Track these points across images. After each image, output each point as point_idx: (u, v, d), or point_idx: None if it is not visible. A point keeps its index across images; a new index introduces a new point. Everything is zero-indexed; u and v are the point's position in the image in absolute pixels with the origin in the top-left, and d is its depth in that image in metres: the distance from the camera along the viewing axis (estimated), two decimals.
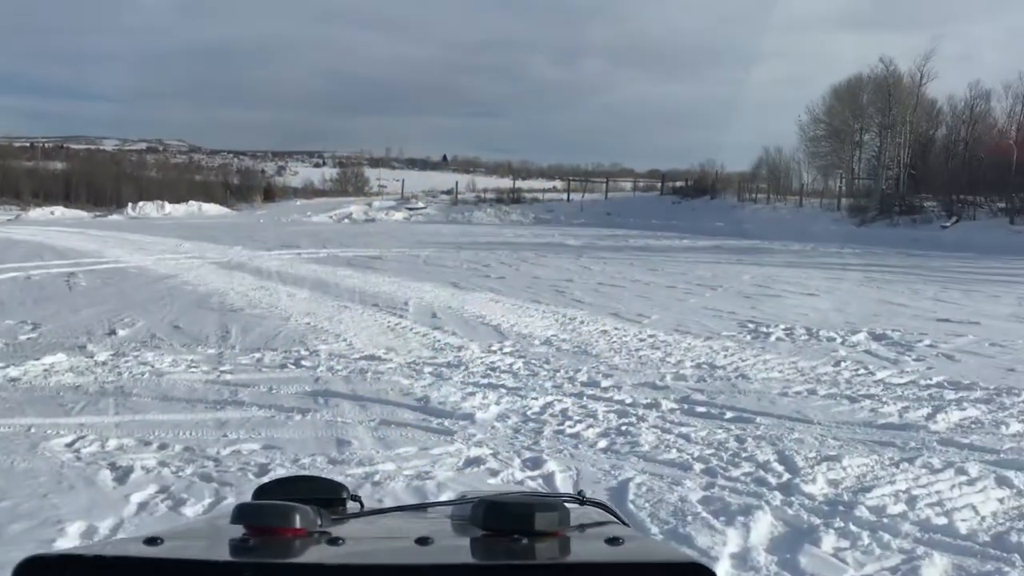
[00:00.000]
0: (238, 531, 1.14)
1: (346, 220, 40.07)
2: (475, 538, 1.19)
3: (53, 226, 31.93)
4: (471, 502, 1.30)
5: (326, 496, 1.33)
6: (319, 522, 1.20)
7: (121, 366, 7.08)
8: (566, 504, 1.26)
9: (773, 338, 8.90)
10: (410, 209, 43.08)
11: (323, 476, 1.20)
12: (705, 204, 41.48)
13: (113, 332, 8.64)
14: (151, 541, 1.06)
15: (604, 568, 1.13)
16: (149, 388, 6.38)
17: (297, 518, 1.15)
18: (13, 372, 6.78)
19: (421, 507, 1.60)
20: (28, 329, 8.80)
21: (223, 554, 1.08)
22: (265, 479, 3.42)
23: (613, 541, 1.19)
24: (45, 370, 6.89)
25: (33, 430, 5.28)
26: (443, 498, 3.26)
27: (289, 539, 1.15)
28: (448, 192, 50.72)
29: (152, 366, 7.08)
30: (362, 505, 1.39)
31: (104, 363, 7.18)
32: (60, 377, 6.69)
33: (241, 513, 1.16)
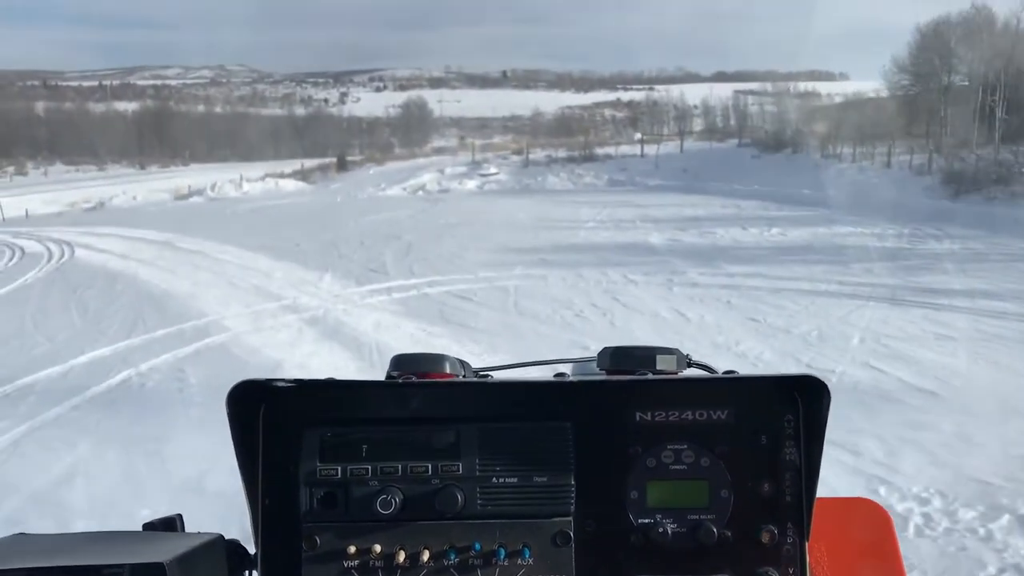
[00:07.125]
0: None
1: (420, 192, 40.30)
2: (605, 373, 1.37)
3: (138, 228, 32.27)
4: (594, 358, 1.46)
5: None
6: (463, 373, 1.38)
7: None
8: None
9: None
10: (482, 176, 43.19)
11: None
12: (786, 160, 40.20)
13: None
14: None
15: (721, 382, 1.23)
16: None
17: (447, 364, 1.33)
18: None
19: (548, 362, 1.80)
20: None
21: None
22: None
23: (729, 372, 1.32)
24: None
25: None
26: None
27: (444, 379, 1.31)
28: (518, 153, 50.90)
29: None
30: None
31: None
32: None
33: (399, 362, 1.31)
